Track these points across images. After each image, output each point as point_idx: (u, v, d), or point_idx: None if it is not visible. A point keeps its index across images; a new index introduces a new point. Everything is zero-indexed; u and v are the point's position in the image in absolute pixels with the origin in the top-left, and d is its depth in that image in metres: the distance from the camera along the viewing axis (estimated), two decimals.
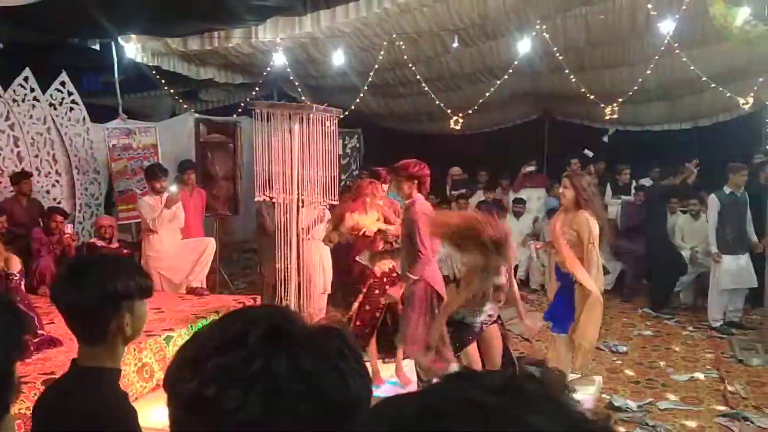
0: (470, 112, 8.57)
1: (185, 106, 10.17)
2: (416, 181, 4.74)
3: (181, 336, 5.05)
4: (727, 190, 7.38)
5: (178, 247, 6.62)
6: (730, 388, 5.55)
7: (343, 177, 11.00)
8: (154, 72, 8.96)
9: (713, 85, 7.70)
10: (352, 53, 8.31)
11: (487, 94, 8.60)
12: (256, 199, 5.87)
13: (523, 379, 0.64)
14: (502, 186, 10.53)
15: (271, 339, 0.81)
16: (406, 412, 0.62)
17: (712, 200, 7.44)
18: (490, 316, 4.55)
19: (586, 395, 4.96)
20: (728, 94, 7.78)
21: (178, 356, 0.84)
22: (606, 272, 8.93)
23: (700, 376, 5.91)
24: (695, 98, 9.29)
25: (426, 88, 8.64)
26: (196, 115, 9.57)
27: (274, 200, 5.88)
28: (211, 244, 6.73)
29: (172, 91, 9.83)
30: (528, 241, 9.65)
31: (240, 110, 9.18)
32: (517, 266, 8.75)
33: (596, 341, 5.39)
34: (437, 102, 8.72)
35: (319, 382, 0.80)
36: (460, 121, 8.55)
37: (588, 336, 5.05)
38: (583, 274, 4.89)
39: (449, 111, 8.57)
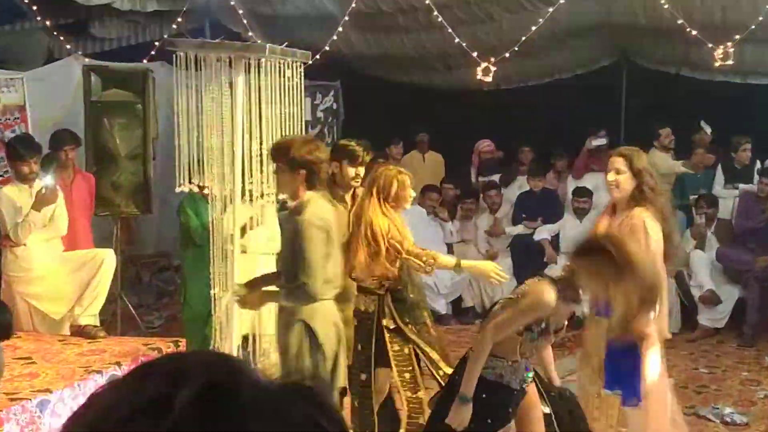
0: (507, 55, 8.60)
1: (69, 47, 10.15)
2: (304, 171, 4.82)
3: (63, 401, 5.01)
4: None
5: (56, 265, 6.61)
6: None
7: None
8: None
9: None
10: None
11: (534, 28, 8.63)
12: (178, 189, 5.88)
13: None
14: (555, 169, 10.59)
15: (207, 404, 0.81)
16: None
17: None
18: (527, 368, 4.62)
19: None
20: None
21: None
22: (713, 302, 9.11)
23: None
24: None
25: (440, 19, 8.66)
26: (86, 60, 9.55)
27: (205, 192, 5.87)
28: (107, 260, 6.73)
29: (48, 23, 9.81)
30: None
31: (153, 53, 9.16)
32: None
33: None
34: (456, 40, 8.74)
35: None
36: (492, 69, 8.57)
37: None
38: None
39: (475, 54, 8.60)
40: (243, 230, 5.97)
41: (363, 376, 5.52)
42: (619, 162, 5.14)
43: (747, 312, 9.08)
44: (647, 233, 4.89)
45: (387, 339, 5.45)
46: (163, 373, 0.86)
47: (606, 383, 5.00)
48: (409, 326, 5.46)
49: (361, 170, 5.73)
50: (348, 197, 5.71)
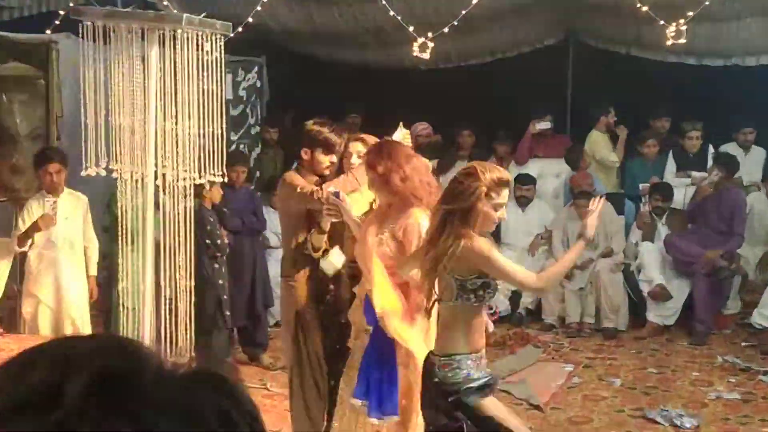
0: (446, 31, 8.62)
1: None
2: None
3: None
4: None
5: None
6: None
7: (234, 137, 10.96)
8: None
9: None
10: None
11: (474, 2, 8.67)
12: (84, 173, 5.80)
13: None
14: (497, 154, 10.67)
15: (101, 394, 0.80)
16: None
17: None
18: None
19: None
20: None
21: None
22: (662, 297, 9.25)
23: None
24: None
25: None
26: None
27: (115, 176, 5.80)
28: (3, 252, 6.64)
29: None
30: (539, 245, 9.84)
31: (58, 23, 9.02)
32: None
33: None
34: (391, 13, 8.75)
35: None
36: (430, 46, 8.59)
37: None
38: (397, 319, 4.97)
39: (411, 29, 8.61)
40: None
41: None
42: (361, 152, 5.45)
43: (697, 308, 9.26)
44: (422, 236, 4.89)
45: None
46: (51, 359, 0.84)
47: (354, 392, 5.17)
48: None
49: (335, 158, 5.82)
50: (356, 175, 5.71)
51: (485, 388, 4.46)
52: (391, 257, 5.04)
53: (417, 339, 4.94)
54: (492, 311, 7.07)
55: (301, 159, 5.92)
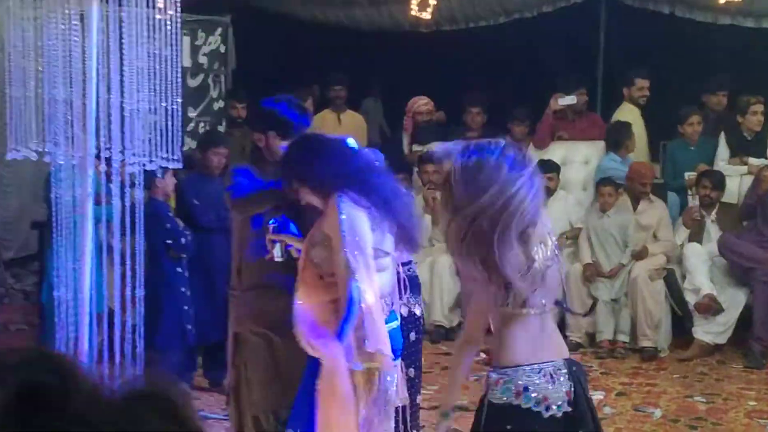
0: None
1: None
2: None
3: None
4: None
5: None
6: None
7: (192, 113, 10.95)
8: None
9: None
10: None
11: None
12: (9, 155, 5.82)
13: None
14: (513, 136, 10.64)
15: (24, 413, 0.82)
16: None
17: None
18: None
19: None
20: None
21: None
22: (712, 310, 9.22)
23: None
24: None
25: None
26: None
27: (47, 160, 5.79)
28: None
29: None
30: (564, 245, 9.83)
31: None
32: None
33: None
34: None
35: None
36: (432, 3, 8.61)
37: None
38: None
39: None
40: None
41: None
42: None
43: (754, 322, 9.22)
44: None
45: None
46: None
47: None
48: None
49: None
50: None
51: None
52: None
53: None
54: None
55: (258, 148, 5.87)
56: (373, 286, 4.97)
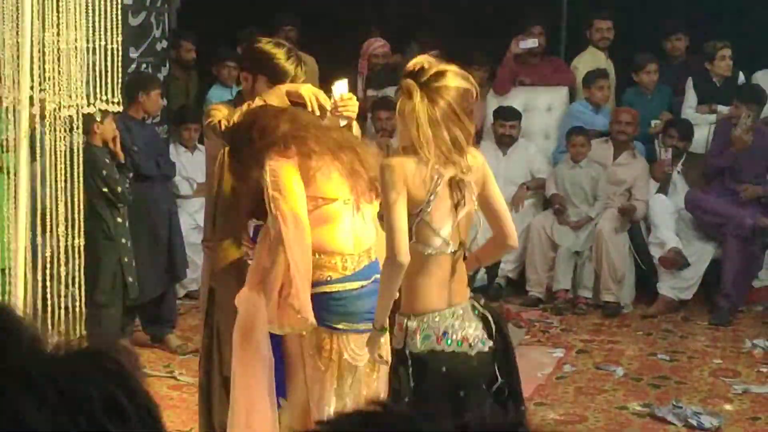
0: None
1: None
2: None
3: None
4: None
5: None
6: None
7: (134, 54, 10.75)
8: None
9: None
10: None
11: None
12: None
13: None
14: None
15: None
16: None
17: None
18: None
19: None
20: None
21: None
22: (677, 265, 9.23)
23: None
24: None
25: None
26: None
27: None
28: None
29: None
30: (524, 197, 9.77)
31: None
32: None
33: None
34: None
35: None
36: None
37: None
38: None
39: None
40: None
41: None
42: None
43: (723, 278, 9.25)
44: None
45: None
46: None
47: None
48: None
49: None
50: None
51: None
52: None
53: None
54: None
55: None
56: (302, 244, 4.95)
